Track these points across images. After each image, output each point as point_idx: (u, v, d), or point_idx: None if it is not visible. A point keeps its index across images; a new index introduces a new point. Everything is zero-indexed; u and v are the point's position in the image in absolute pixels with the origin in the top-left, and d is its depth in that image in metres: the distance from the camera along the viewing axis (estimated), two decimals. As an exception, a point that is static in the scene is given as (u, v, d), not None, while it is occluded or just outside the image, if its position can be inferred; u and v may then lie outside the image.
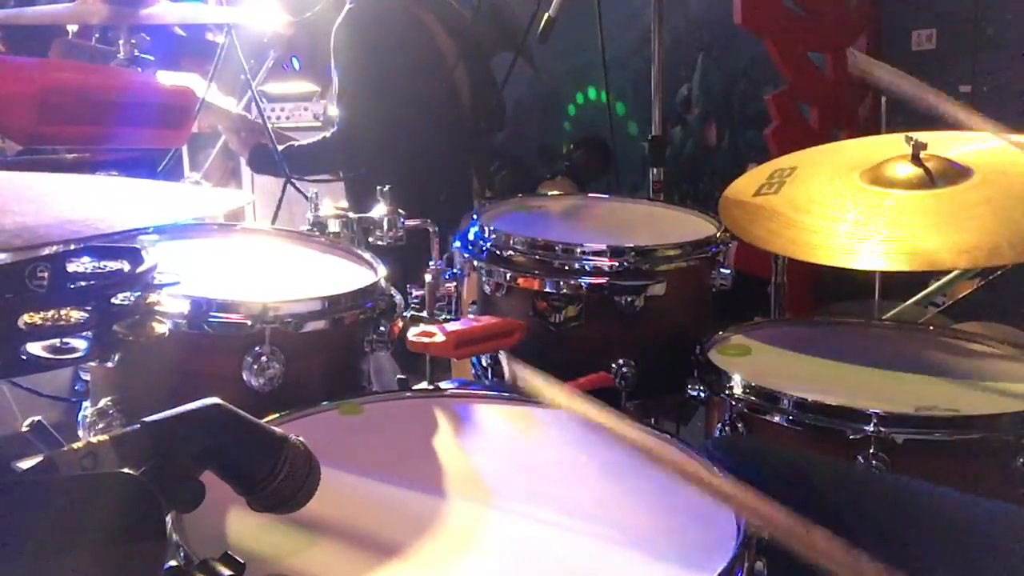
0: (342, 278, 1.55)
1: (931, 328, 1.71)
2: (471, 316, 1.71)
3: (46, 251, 0.79)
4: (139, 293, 0.88)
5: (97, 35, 3.16)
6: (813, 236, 1.55)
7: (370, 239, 1.82)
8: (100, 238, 0.84)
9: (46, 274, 0.80)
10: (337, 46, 2.83)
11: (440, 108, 2.85)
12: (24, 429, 0.86)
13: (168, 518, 0.78)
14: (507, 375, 1.47)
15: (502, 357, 1.48)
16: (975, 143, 1.65)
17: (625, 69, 3.67)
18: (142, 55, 2.69)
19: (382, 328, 1.46)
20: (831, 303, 2.70)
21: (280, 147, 2.86)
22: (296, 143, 2.94)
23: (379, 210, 1.84)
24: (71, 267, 0.85)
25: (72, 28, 3.08)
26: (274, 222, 2.73)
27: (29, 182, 0.93)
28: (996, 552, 1.06)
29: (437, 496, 1.07)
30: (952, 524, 1.10)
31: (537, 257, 1.63)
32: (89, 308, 0.82)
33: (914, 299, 2.32)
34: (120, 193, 0.95)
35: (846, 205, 1.56)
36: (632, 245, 1.62)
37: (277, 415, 1.22)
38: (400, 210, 1.82)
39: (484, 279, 1.68)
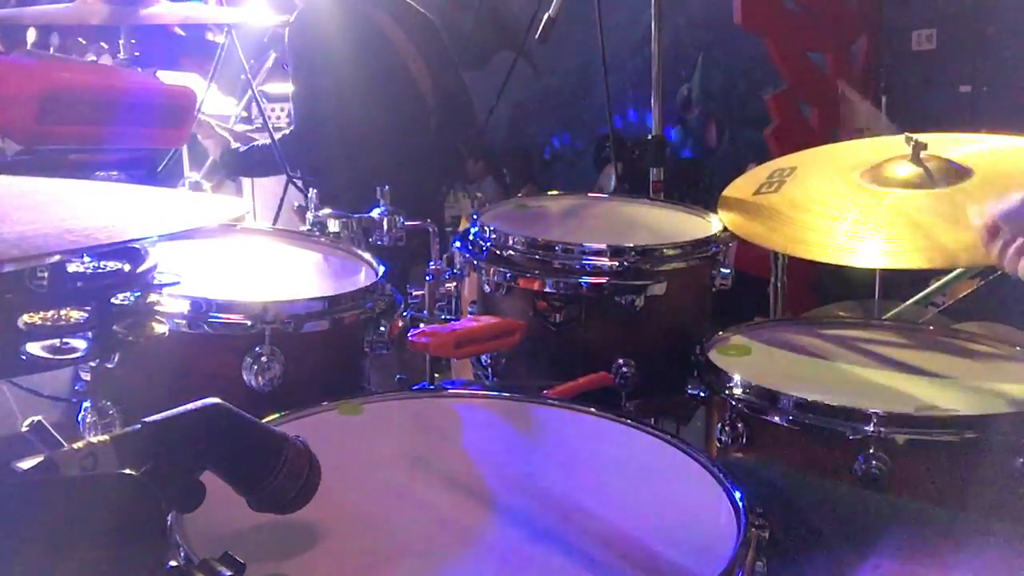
0: (342, 278, 1.55)
1: (931, 328, 1.71)
2: (471, 316, 1.71)
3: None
4: (139, 293, 0.88)
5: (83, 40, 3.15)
6: (813, 234, 1.55)
7: (370, 239, 1.82)
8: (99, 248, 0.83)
9: (46, 274, 0.80)
10: (289, 49, 2.82)
11: (398, 105, 2.82)
12: (24, 429, 0.86)
13: (168, 518, 0.78)
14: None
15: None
16: (975, 143, 1.65)
17: (625, 69, 3.67)
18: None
19: (382, 328, 1.46)
20: (831, 303, 2.70)
21: (242, 148, 2.86)
22: (256, 144, 2.92)
23: (379, 210, 1.84)
24: (71, 267, 0.85)
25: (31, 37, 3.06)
26: (275, 222, 2.73)
27: (28, 188, 0.92)
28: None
29: (437, 496, 1.07)
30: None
31: (537, 257, 1.63)
32: (89, 308, 0.82)
33: (914, 299, 2.32)
34: (120, 200, 0.95)
35: (846, 204, 1.56)
36: (632, 245, 1.62)
37: (277, 415, 1.22)
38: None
39: (484, 279, 1.68)
